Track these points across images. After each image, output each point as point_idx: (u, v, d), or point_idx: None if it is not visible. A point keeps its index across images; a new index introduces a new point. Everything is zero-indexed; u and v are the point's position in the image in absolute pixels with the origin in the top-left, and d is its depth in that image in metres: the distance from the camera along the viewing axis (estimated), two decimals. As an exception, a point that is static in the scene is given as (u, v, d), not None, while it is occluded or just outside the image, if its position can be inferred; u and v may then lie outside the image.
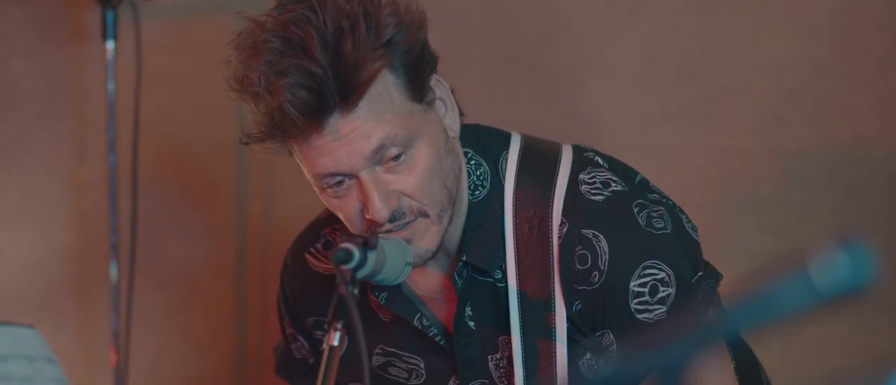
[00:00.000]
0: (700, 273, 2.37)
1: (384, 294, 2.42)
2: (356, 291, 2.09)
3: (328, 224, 2.52)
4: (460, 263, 2.36)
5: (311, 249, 2.58)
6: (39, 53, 4.06)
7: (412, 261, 2.27)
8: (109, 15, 3.78)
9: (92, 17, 3.92)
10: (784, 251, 3.54)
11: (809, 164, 3.57)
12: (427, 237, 2.30)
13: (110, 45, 3.80)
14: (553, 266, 2.33)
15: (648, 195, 2.39)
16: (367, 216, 2.25)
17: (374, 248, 2.14)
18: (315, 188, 2.31)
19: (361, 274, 2.13)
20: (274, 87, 2.18)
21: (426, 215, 2.28)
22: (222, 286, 4.05)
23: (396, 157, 2.23)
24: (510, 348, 2.37)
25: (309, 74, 2.15)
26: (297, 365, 2.65)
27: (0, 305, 4.04)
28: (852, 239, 1.24)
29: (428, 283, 2.45)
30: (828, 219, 3.55)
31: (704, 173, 3.58)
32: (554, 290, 2.33)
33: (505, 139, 2.44)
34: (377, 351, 2.50)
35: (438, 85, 2.32)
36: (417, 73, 2.25)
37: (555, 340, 2.33)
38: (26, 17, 4.04)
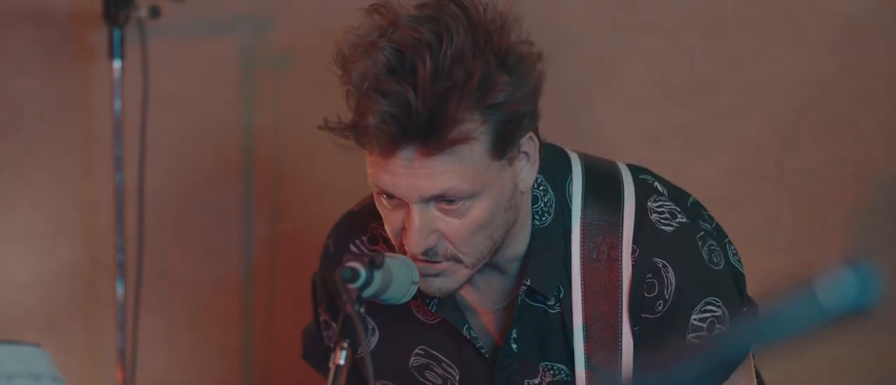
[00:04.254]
0: (745, 307, 2.39)
1: (436, 300, 2.41)
2: (363, 310, 2.08)
3: (377, 218, 2.44)
4: (524, 287, 2.35)
5: (357, 242, 2.54)
6: (47, 72, 4.07)
7: (418, 280, 2.27)
8: (116, 34, 3.79)
9: (99, 37, 3.93)
10: (792, 270, 3.54)
11: (817, 182, 3.56)
12: (454, 278, 2.29)
13: (117, 63, 3.80)
14: (622, 291, 2.33)
15: (702, 224, 2.41)
16: (403, 240, 2.25)
17: (380, 267, 2.13)
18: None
19: (368, 293, 2.12)
20: (368, 102, 2.14)
21: (459, 261, 2.27)
22: (228, 304, 4.05)
23: (452, 204, 2.23)
24: (551, 375, 2.37)
25: (406, 107, 2.11)
26: (326, 352, 2.61)
27: (7, 323, 4.04)
28: (860, 258, 1.24)
29: (477, 296, 2.44)
30: (835, 238, 3.54)
31: (712, 192, 3.57)
32: (621, 316, 2.33)
33: (566, 161, 2.42)
34: (418, 351, 2.48)
35: (529, 142, 2.27)
36: (508, 137, 2.20)
37: (620, 365, 2.33)
38: (34, 36, 4.05)
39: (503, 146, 2.21)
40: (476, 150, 2.18)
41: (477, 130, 2.16)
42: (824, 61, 3.54)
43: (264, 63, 3.98)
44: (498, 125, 2.18)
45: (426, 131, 2.13)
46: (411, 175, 2.18)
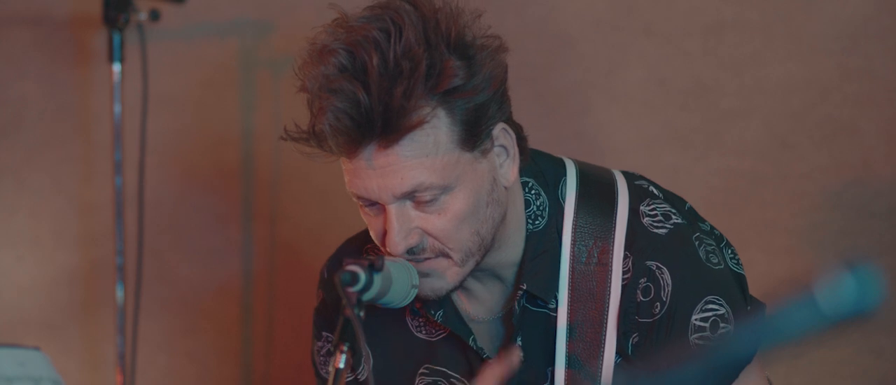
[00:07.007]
0: (748, 307, 2.37)
1: (440, 312, 2.41)
2: (362, 314, 2.08)
3: (371, 240, 2.46)
4: (520, 292, 2.35)
5: None
6: (47, 75, 4.07)
7: (418, 283, 2.27)
8: (116, 37, 3.79)
9: (99, 40, 3.93)
10: (791, 274, 3.54)
11: (816, 186, 3.56)
12: (446, 278, 2.29)
13: (117, 67, 3.81)
14: (609, 297, 2.32)
15: (700, 224, 2.40)
16: (386, 243, 2.25)
17: (379, 270, 2.13)
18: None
19: (367, 296, 2.12)
20: (322, 103, 2.17)
21: (448, 257, 2.27)
22: (228, 308, 4.05)
23: (428, 200, 2.23)
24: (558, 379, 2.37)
25: (356, 103, 2.14)
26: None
27: (6, 326, 4.04)
28: (859, 262, 1.24)
29: (477, 307, 2.44)
30: (834, 241, 3.54)
31: (711, 195, 3.58)
32: (607, 321, 2.31)
33: (561, 166, 2.42)
34: (423, 370, 2.48)
35: (504, 134, 2.27)
36: (475, 124, 2.21)
37: (600, 371, 2.32)
38: (34, 40, 4.05)
39: (471, 136, 2.21)
40: (441, 141, 2.19)
41: (431, 115, 2.16)
42: (823, 64, 3.54)
43: (264, 66, 3.98)
44: (461, 113, 2.19)
45: (380, 125, 2.14)
46: (379, 175, 2.19)
